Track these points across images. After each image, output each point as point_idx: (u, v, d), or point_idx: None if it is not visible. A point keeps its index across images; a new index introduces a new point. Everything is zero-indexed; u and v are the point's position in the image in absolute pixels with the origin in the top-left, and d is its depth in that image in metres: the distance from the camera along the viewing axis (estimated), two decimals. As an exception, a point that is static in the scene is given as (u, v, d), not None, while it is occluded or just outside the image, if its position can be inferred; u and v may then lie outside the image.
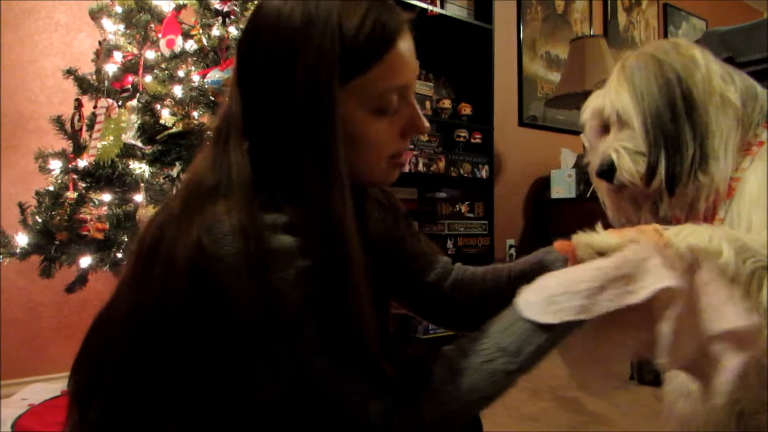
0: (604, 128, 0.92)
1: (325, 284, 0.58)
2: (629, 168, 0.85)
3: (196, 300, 0.57)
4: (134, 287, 0.62)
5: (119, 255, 1.60)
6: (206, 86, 1.64)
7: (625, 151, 0.86)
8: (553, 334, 0.61)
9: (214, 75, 1.63)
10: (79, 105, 1.83)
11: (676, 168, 0.82)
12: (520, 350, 0.60)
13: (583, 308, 0.60)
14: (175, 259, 0.58)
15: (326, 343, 0.58)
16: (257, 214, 0.59)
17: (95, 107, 1.75)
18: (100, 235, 1.60)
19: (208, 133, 1.59)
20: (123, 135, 1.63)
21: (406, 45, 0.65)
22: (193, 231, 0.58)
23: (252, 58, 0.65)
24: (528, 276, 0.79)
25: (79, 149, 1.75)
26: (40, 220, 1.67)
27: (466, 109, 3.14)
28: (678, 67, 0.84)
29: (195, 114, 1.66)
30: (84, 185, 1.69)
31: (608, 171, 0.87)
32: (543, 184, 3.62)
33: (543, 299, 0.61)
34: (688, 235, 0.72)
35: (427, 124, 0.70)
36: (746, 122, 0.84)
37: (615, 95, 0.88)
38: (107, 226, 1.60)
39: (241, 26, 1.74)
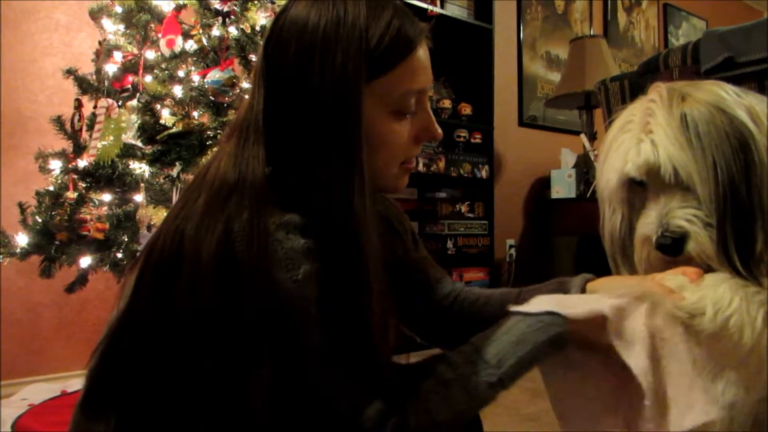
0: (639, 183, 0.78)
1: (338, 285, 0.59)
2: (708, 246, 0.72)
3: (223, 296, 0.58)
4: (156, 296, 0.61)
5: (119, 255, 1.60)
6: (206, 86, 1.64)
7: (700, 222, 0.72)
8: (535, 347, 0.63)
9: (214, 75, 1.63)
10: (79, 105, 1.82)
11: (749, 248, 0.70)
12: (502, 362, 0.63)
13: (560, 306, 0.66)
14: (201, 257, 0.58)
15: (327, 344, 0.58)
16: (272, 213, 0.60)
17: (95, 107, 1.74)
18: (100, 235, 1.60)
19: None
20: (123, 135, 1.62)
21: (424, 53, 0.70)
22: (218, 228, 0.59)
23: (279, 56, 0.67)
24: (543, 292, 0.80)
25: (79, 149, 1.75)
26: (40, 220, 1.66)
27: (466, 109, 3.15)
28: (751, 126, 0.71)
29: (195, 114, 1.66)
30: (84, 185, 1.69)
31: (676, 244, 0.73)
32: (543, 184, 3.62)
33: (533, 302, 0.68)
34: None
35: (440, 131, 0.73)
36: None
37: (674, 150, 0.72)
38: (107, 226, 1.60)
39: (242, 26, 1.74)
